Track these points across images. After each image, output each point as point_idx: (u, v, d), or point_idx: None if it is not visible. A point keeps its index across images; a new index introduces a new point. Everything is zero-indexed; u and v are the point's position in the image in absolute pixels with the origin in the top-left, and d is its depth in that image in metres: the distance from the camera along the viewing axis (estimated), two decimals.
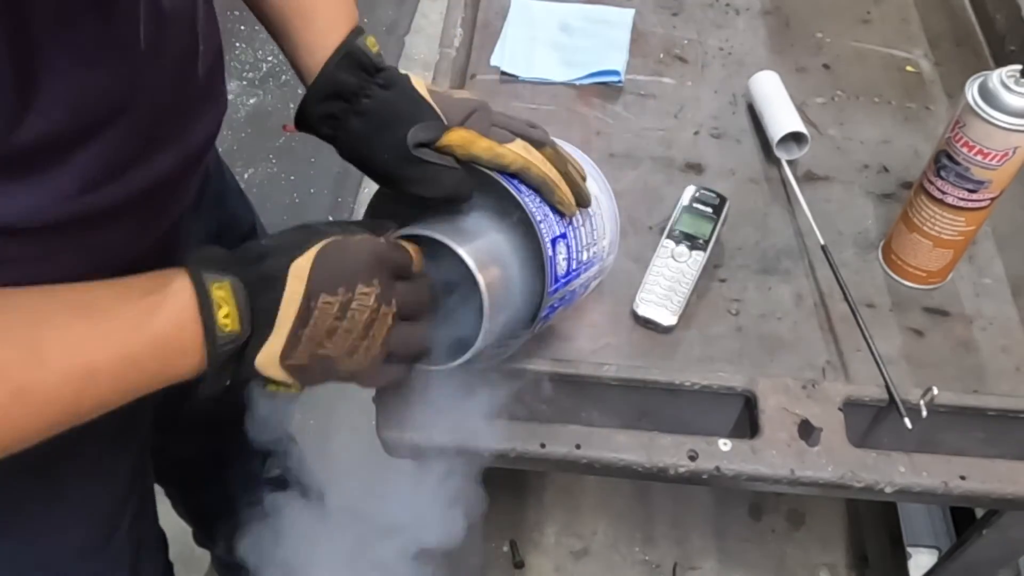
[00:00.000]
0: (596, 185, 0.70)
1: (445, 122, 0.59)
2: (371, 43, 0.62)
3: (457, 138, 0.59)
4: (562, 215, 0.63)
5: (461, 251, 0.57)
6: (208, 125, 0.61)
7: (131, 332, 0.47)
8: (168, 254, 0.67)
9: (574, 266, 0.65)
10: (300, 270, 0.51)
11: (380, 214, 0.64)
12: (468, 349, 0.59)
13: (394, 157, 0.59)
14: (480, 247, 0.59)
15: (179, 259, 0.50)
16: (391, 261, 0.55)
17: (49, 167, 0.44)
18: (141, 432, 0.76)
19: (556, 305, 0.65)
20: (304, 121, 0.62)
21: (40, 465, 0.63)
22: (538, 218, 0.60)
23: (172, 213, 0.62)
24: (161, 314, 0.47)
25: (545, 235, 0.61)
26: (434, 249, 0.58)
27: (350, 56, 0.61)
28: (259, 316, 0.50)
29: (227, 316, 0.48)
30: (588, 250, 0.67)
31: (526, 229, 0.61)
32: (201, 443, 1.03)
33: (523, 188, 0.62)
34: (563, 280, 0.63)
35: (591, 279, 0.70)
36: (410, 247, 0.57)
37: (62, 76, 0.41)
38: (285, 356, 0.51)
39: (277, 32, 0.65)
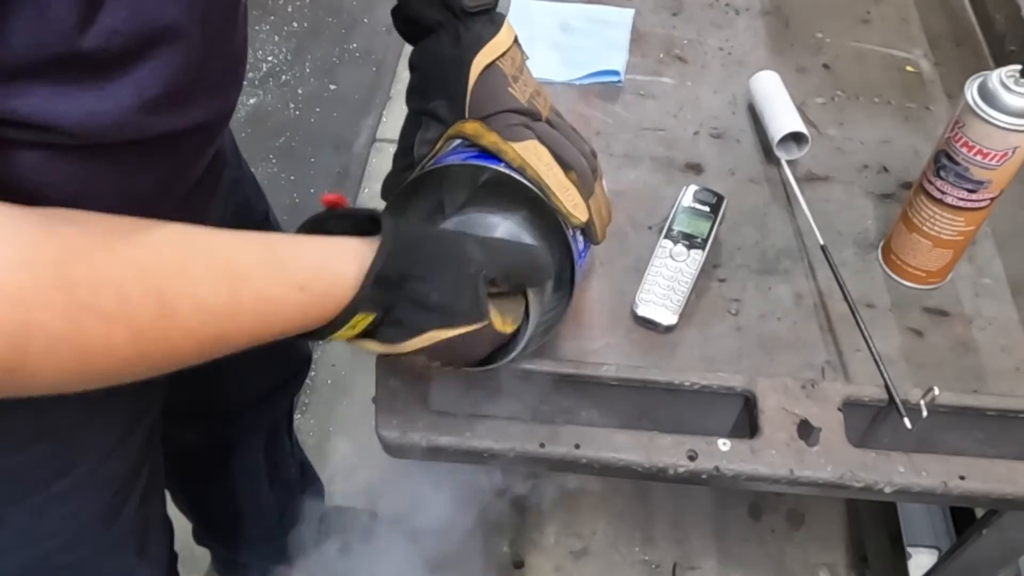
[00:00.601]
0: None
1: (466, 112, 0.62)
2: None
3: (470, 129, 0.62)
4: None
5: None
6: (228, 97, 0.61)
7: (266, 321, 0.48)
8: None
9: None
10: (429, 339, 0.53)
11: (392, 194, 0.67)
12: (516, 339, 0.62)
13: (413, 107, 0.65)
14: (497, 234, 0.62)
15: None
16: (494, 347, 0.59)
17: (112, 75, 0.44)
18: (155, 407, 0.76)
19: (581, 259, 0.66)
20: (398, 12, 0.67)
21: (56, 433, 0.64)
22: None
23: (192, 170, 0.62)
24: (301, 311, 0.49)
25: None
26: None
27: None
28: (370, 334, 0.52)
29: (346, 334, 0.51)
30: None
31: (533, 206, 0.63)
32: (204, 433, 1.04)
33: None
34: (584, 246, 0.66)
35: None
36: (509, 325, 0.59)
37: None
38: (361, 349, 0.54)
39: None
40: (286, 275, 0.48)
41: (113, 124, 0.46)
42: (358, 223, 0.52)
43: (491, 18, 0.63)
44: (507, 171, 0.61)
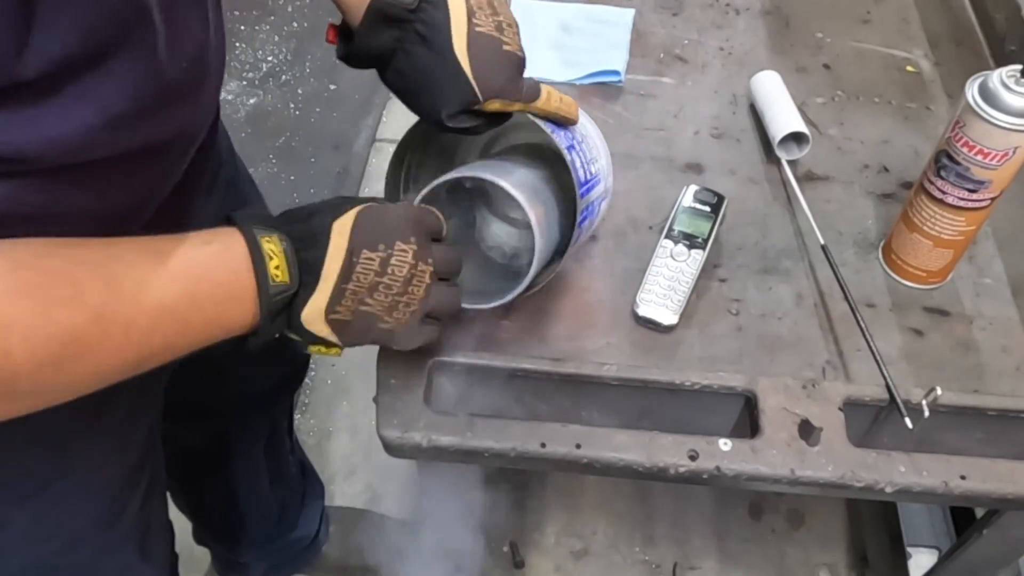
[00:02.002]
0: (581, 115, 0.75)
1: (479, 95, 0.61)
2: None
3: (489, 108, 0.63)
4: (564, 129, 0.69)
5: (501, 182, 0.63)
6: (206, 104, 0.60)
7: (194, 276, 0.50)
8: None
9: (588, 176, 0.70)
10: (343, 227, 0.55)
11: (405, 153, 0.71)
12: (518, 279, 0.66)
13: (428, 119, 0.64)
14: (513, 179, 0.65)
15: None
16: (426, 223, 0.60)
17: (71, 95, 0.44)
18: (154, 409, 0.76)
19: (584, 216, 0.69)
20: (347, 62, 0.65)
21: (56, 436, 0.64)
22: (549, 129, 0.66)
23: (173, 178, 0.61)
24: (219, 261, 0.51)
25: (562, 143, 0.66)
26: (460, 195, 0.68)
27: (379, 13, 0.60)
28: (305, 269, 0.54)
29: (277, 267, 0.52)
30: (593, 164, 0.72)
31: (540, 151, 0.69)
32: (204, 432, 1.03)
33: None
34: (585, 186, 0.69)
35: (601, 198, 0.74)
36: (437, 213, 0.62)
37: None
38: (330, 310, 0.55)
39: None
40: (194, 240, 0.51)
41: (79, 146, 0.46)
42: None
43: None
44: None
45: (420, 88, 0.62)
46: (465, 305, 0.65)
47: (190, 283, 0.50)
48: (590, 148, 0.73)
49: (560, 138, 0.67)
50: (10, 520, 0.66)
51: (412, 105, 0.65)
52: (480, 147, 0.78)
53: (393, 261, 0.56)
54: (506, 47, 0.63)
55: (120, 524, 0.75)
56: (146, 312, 0.48)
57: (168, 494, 1.13)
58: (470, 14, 0.61)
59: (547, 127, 0.67)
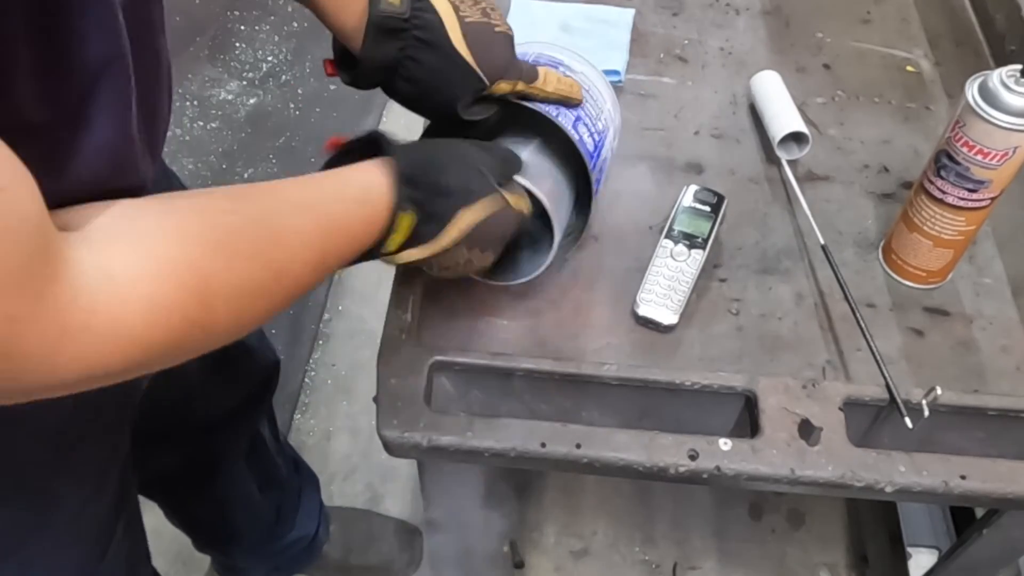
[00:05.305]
0: (575, 60, 0.77)
1: (486, 81, 0.65)
2: None
3: (498, 91, 0.67)
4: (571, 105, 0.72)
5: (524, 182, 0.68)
6: (167, 117, 0.59)
7: (347, 236, 0.56)
8: None
9: (597, 138, 0.72)
10: (462, 223, 0.60)
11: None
12: (539, 257, 0.72)
13: (444, 116, 0.68)
14: (526, 168, 0.69)
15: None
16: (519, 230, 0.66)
17: (70, 142, 0.44)
18: (123, 448, 0.75)
19: (599, 179, 0.74)
20: (356, 86, 0.69)
21: (34, 484, 0.63)
22: (553, 113, 0.69)
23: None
24: (366, 223, 0.57)
25: (566, 124, 0.69)
26: None
27: (380, 27, 0.63)
28: (415, 236, 0.60)
29: (394, 241, 0.59)
30: (600, 119, 0.75)
31: (546, 132, 0.71)
32: (182, 454, 1.02)
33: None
34: (595, 154, 0.72)
35: (611, 143, 0.77)
36: (524, 204, 0.67)
37: (32, 65, 0.40)
38: (408, 261, 0.61)
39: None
40: (347, 196, 0.57)
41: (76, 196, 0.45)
42: (363, 148, 0.60)
43: None
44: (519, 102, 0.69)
45: (433, 89, 0.66)
46: (501, 283, 0.73)
47: (341, 240, 0.56)
48: (594, 99, 0.75)
49: (564, 118, 0.70)
50: None
51: (427, 108, 0.70)
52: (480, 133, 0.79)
53: (476, 263, 0.65)
54: (497, 29, 0.66)
55: (105, 562, 0.74)
56: (309, 266, 0.53)
57: (162, 512, 1.12)
58: (455, 8, 0.65)
59: (551, 110, 0.69)
